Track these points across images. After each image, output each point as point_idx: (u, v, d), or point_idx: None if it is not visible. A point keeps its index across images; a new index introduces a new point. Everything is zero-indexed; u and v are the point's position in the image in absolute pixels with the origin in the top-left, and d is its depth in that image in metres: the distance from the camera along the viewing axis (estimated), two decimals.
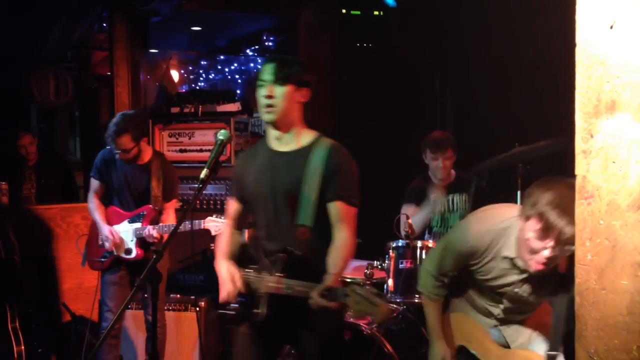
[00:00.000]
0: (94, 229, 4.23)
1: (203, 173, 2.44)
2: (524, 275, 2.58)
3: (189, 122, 5.16)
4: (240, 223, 2.87)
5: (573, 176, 1.55)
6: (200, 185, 2.43)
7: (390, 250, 3.79)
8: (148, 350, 4.10)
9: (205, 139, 5.10)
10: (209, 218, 3.83)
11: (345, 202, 2.59)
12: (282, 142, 2.67)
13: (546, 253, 2.38)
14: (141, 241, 4.05)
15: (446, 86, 6.28)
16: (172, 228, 3.96)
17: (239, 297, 2.62)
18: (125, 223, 4.10)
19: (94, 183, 4.19)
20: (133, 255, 4.07)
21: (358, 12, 6.36)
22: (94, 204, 4.18)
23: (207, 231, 3.84)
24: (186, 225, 3.80)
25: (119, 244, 4.05)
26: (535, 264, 2.44)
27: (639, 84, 1.41)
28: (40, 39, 6.69)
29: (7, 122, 6.76)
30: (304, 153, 2.63)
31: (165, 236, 3.98)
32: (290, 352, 3.42)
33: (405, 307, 3.79)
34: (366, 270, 3.77)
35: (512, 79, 4.96)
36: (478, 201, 3.66)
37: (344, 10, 6.28)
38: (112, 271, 4.12)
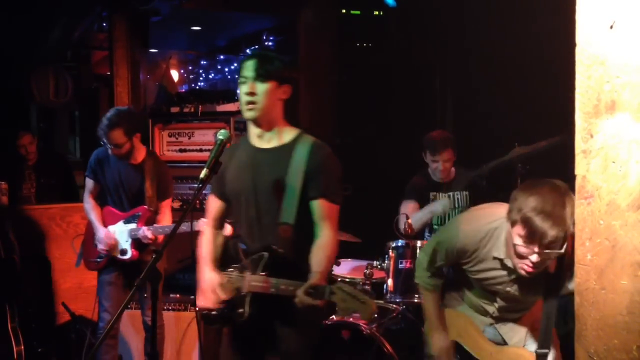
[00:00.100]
0: (89, 229, 4.21)
1: (203, 173, 2.43)
2: (514, 276, 2.60)
3: (189, 122, 5.14)
4: (221, 222, 2.84)
5: (573, 176, 1.55)
6: (200, 185, 2.42)
7: (390, 250, 3.79)
8: (147, 351, 4.10)
9: (205, 138, 5.09)
10: (202, 220, 3.81)
11: (328, 199, 2.57)
12: (263, 139, 2.65)
13: (534, 258, 2.39)
14: (136, 242, 4.03)
15: (446, 86, 6.28)
16: (167, 229, 3.96)
17: (221, 305, 2.60)
18: (120, 224, 4.09)
19: (89, 183, 4.18)
20: (128, 256, 4.05)
21: (358, 12, 6.36)
22: (89, 205, 4.17)
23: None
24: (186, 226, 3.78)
25: (113, 245, 4.05)
26: (524, 268, 2.46)
27: (639, 83, 1.41)
28: (40, 38, 6.69)
29: (7, 121, 6.76)
30: (286, 150, 2.61)
31: (160, 237, 3.98)
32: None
33: (404, 307, 3.79)
34: (366, 270, 3.77)
35: (512, 79, 4.96)
36: (478, 201, 3.66)
37: (344, 10, 6.27)
38: (108, 271, 4.11)
